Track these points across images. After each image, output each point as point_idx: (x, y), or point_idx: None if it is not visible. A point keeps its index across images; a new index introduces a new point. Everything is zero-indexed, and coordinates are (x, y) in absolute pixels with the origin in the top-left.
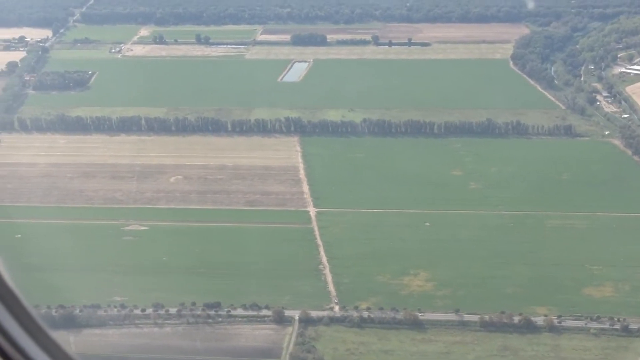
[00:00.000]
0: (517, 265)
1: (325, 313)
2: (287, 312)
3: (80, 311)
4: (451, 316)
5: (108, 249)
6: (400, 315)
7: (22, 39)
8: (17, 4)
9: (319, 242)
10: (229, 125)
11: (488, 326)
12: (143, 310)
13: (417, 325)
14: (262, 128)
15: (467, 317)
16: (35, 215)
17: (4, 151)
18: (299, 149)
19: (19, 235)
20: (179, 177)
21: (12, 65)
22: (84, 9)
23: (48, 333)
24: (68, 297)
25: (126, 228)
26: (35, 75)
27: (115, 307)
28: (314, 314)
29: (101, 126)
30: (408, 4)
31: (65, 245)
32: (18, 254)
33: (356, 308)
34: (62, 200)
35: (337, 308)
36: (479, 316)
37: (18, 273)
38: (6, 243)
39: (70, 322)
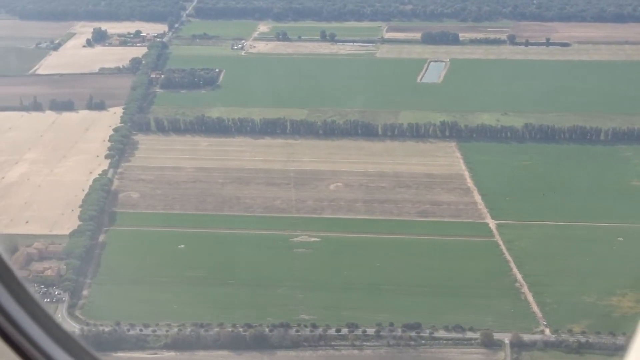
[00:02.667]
0: None
1: (537, 337)
2: (495, 335)
3: (271, 331)
4: None
5: (281, 263)
6: (620, 340)
7: (137, 33)
8: None
9: (508, 257)
10: (380, 129)
11: None
12: (338, 330)
13: None
14: (416, 132)
15: None
16: (194, 224)
17: (144, 154)
18: (459, 155)
19: (182, 246)
20: (339, 184)
21: (135, 62)
22: (195, 3)
23: (48, 312)
24: (248, 315)
25: (295, 239)
26: (160, 72)
27: (305, 326)
28: (526, 337)
29: (243, 128)
30: (535, 1)
31: (232, 257)
32: (181, 265)
33: (570, 331)
34: (219, 208)
35: (547, 331)
36: None
37: (184, 287)
38: (170, 254)
39: (262, 342)
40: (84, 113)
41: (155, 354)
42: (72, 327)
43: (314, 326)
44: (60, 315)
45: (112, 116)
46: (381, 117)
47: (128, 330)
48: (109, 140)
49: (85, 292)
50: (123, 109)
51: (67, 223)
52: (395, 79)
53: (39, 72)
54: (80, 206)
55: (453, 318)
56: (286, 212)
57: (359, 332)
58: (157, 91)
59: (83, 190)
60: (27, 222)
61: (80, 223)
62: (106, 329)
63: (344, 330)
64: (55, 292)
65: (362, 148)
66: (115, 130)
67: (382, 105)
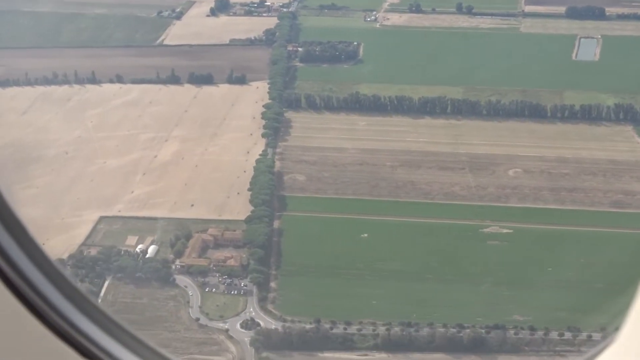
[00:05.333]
0: None
1: None
2: None
3: (487, 332)
4: None
5: (476, 256)
6: None
7: (262, 2)
8: None
9: None
10: (548, 111)
11: None
12: (561, 334)
13: None
14: (587, 115)
15: None
16: (371, 211)
17: (300, 132)
18: (638, 140)
19: (365, 235)
20: (517, 170)
21: (269, 33)
22: None
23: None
24: (455, 314)
25: (485, 230)
26: (297, 45)
27: (523, 328)
28: None
29: (400, 107)
30: None
31: (422, 248)
32: (369, 256)
33: None
34: (395, 194)
35: None
36: None
37: (378, 281)
38: (354, 244)
39: (480, 346)
40: (224, 87)
41: (365, 355)
42: (269, 323)
43: (532, 329)
44: (252, 310)
45: (256, 91)
46: (544, 98)
47: (331, 328)
48: (262, 118)
49: (272, 284)
50: (268, 83)
51: (236, 207)
52: (547, 56)
53: (166, 42)
54: (249, 189)
55: None
56: (468, 199)
57: (582, 336)
58: (297, 65)
59: (244, 171)
60: (192, 205)
61: (253, 208)
62: (307, 327)
63: (568, 335)
64: (241, 284)
65: (533, 131)
66: (265, 107)
67: (542, 84)
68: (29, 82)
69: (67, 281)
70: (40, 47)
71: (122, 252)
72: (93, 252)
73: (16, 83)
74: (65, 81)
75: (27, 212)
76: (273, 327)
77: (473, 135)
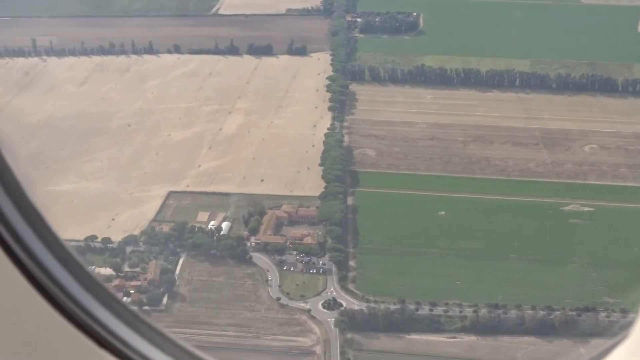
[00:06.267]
0: None
1: None
2: None
3: (578, 315)
4: None
5: (558, 235)
6: None
7: None
8: None
9: None
10: (619, 85)
11: None
12: None
13: None
14: None
15: None
16: (446, 188)
17: (366, 106)
18: None
19: (443, 212)
20: (593, 146)
21: (327, 3)
22: None
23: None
24: (542, 295)
25: (566, 208)
26: (355, 15)
27: (614, 311)
28: None
29: (467, 80)
30: None
31: (502, 227)
32: (449, 235)
33: None
34: (469, 170)
35: None
36: None
37: (460, 260)
38: (431, 221)
39: (572, 329)
40: (284, 58)
41: (454, 337)
42: (351, 303)
43: (624, 311)
44: (333, 290)
45: (317, 62)
46: (613, 71)
47: (416, 309)
48: (327, 91)
49: (351, 263)
50: (331, 55)
51: (307, 183)
52: (612, 28)
53: (221, 12)
54: (320, 164)
55: None
56: (545, 176)
57: None
58: (357, 36)
59: (313, 145)
60: (262, 180)
61: (325, 184)
62: (391, 307)
63: None
64: (319, 263)
65: (605, 105)
66: (330, 79)
67: (609, 57)
68: (85, 52)
69: (85, 270)
70: (92, 15)
71: (196, 229)
72: (165, 228)
73: (72, 53)
74: (122, 51)
75: (94, 186)
76: (356, 307)
77: (544, 110)
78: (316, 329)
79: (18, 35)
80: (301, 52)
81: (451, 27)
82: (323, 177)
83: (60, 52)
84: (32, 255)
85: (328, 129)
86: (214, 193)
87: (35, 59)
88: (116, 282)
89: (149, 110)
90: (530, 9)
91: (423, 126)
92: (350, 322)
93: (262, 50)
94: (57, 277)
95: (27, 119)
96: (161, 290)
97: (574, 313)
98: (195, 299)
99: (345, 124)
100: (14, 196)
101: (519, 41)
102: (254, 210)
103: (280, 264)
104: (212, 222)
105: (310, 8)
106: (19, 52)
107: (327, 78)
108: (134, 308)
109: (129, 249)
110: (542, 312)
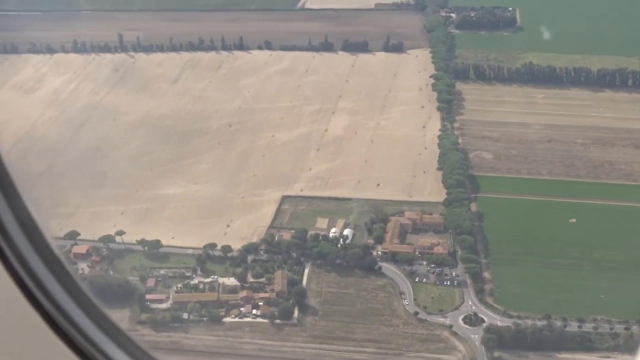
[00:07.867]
0: None
1: None
2: None
3: None
4: None
5: None
6: None
7: None
8: None
9: None
10: None
11: None
12: None
13: None
14: None
15: None
16: (572, 194)
17: (475, 106)
18: None
19: (573, 220)
20: None
21: None
22: None
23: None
24: None
25: None
26: (450, 10)
27: None
28: None
29: (577, 79)
30: None
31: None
32: (583, 244)
33: None
34: (594, 175)
35: None
36: None
37: (601, 272)
38: (562, 230)
39: None
40: (381, 55)
41: (607, 357)
42: (492, 318)
43: None
44: (472, 304)
45: (416, 60)
46: None
47: (564, 326)
48: (433, 90)
49: (486, 275)
50: (431, 52)
51: (425, 187)
52: None
53: (307, 6)
54: (438, 169)
55: None
56: None
57: None
58: (453, 32)
59: (425, 148)
60: (378, 184)
61: (447, 190)
62: (538, 324)
63: None
64: (452, 274)
65: None
66: (434, 77)
67: None
68: (173, 48)
69: (72, 278)
70: (175, 10)
71: (320, 238)
72: (285, 235)
73: (159, 48)
74: (212, 47)
75: (203, 190)
76: (499, 323)
77: None
78: (460, 346)
79: (101, 29)
80: (398, 48)
81: (550, 22)
82: (443, 181)
83: (148, 48)
84: (22, 260)
85: (440, 130)
86: (329, 198)
87: (123, 55)
88: (243, 293)
89: (249, 110)
90: (622, 3)
91: (538, 127)
92: (497, 339)
93: (358, 46)
94: (44, 282)
95: (122, 118)
96: (291, 302)
97: None
98: (328, 312)
99: (455, 124)
100: (9, 200)
101: (623, 38)
102: (375, 217)
103: (411, 275)
104: (333, 229)
105: (400, 2)
106: (105, 48)
107: (430, 76)
108: (113, 318)
109: (250, 257)
110: None
